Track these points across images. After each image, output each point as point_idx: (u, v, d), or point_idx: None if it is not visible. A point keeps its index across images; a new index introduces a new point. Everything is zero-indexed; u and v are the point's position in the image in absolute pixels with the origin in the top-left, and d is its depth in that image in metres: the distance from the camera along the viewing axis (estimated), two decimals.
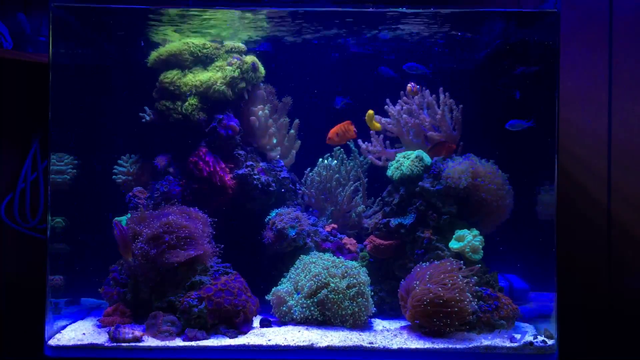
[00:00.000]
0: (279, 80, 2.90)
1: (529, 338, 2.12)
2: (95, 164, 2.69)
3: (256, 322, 2.32)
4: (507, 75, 2.66)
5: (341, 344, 2.08)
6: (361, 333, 2.21)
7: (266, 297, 2.38)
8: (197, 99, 2.67)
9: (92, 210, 2.61)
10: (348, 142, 2.88)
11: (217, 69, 2.71)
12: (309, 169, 2.91)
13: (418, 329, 2.21)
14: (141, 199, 2.62)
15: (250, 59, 2.73)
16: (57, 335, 2.19)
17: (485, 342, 2.09)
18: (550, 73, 2.22)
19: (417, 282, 2.20)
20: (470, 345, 2.07)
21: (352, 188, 2.86)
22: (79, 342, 2.11)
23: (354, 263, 2.41)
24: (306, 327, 2.25)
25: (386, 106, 2.76)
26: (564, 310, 2.15)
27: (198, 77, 2.69)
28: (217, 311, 2.16)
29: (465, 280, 2.18)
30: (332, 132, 2.63)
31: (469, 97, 2.66)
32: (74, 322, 2.37)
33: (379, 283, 2.54)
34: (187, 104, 2.65)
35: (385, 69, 2.51)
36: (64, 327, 2.28)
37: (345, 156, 2.91)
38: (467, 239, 2.37)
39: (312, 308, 2.26)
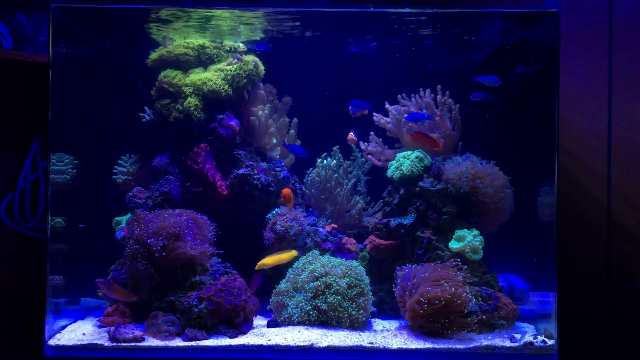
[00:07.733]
0: (279, 80, 2.90)
1: (529, 338, 2.12)
2: (95, 164, 2.69)
3: (256, 322, 2.32)
4: (508, 75, 2.66)
5: (341, 344, 2.08)
6: (361, 333, 2.21)
7: (267, 308, 2.38)
8: (197, 98, 2.67)
9: (92, 210, 2.61)
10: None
11: (217, 68, 2.71)
12: (311, 168, 2.91)
13: (418, 329, 2.21)
14: (141, 198, 2.61)
15: (250, 58, 2.73)
16: (57, 335, 2.19)
17: (485, 342, 2.09)
18: (550, 73, 2.22)
19: (415, 281, 2.20)
20: (470, 345, 2.07)
21: (349, 186, 2.85)
22: (79, 342, 2.11)
23: (354, 263, 2.41)
24: (306, 327, 2.25)
25: (387, 105, 2.77)
26: (564, 310, 2.15)
27: (198, 76, 2.68)
28: (217, 311, 2.16)
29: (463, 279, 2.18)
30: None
31: (469, 97, 2.66)
32: (74, 322, 2.37)
33: (379, 283, 2.54)
34: (187, 103, 2.65)
35: None
36: (64, 327, 2.28)
37: (341, 155, 2.90)
38: (467, 239, 2.37)
39: (311, 312, 2.26)
